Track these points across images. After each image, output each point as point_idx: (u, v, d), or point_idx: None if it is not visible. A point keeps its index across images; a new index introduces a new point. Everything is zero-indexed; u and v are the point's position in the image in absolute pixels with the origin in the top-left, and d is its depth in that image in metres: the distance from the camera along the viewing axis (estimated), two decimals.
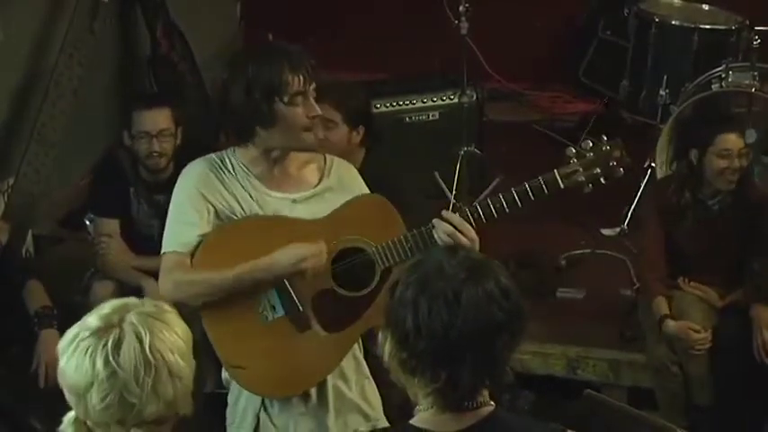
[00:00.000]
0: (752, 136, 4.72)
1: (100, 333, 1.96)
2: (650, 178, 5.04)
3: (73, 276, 4.49)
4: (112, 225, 4.32)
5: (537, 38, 6.69)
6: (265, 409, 2.99)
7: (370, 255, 2.89)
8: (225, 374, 3.04)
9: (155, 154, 4.23)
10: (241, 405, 3.01)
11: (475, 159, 5.32)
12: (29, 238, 5.05)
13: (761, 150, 4.82)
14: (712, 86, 5.05)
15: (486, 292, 1.93)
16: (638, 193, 5.05)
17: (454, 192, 5.13)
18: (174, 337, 1.98)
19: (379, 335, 2.01)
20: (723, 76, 5.03)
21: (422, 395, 1.99)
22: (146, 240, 4.39)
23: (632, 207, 5.09)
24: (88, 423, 1.95)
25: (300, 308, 2.89)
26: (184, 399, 1.99)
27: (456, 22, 5.38)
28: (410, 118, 5.43)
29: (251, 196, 2.90)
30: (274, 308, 2.90)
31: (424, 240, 2.87)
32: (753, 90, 4.91)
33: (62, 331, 3.96)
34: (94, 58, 5.25)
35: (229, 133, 2.96)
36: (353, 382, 3.04)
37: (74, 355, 1.95)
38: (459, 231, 2.81)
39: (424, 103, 5.42)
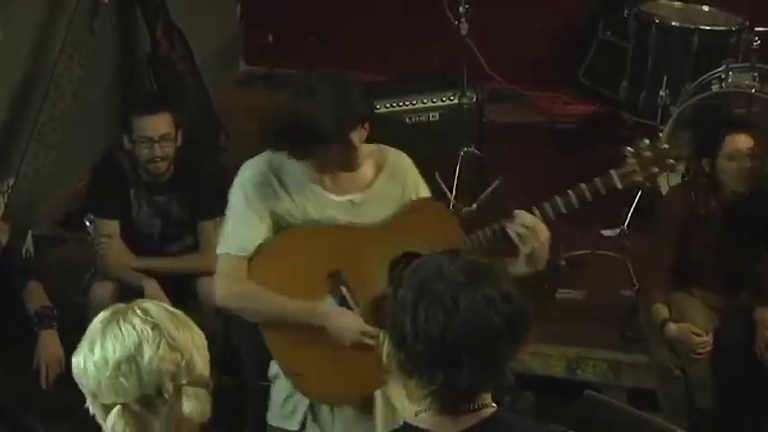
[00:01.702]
0: None
1: (120, 310, 1.96)
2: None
3: (73, 277, 4.49)
4: (112, 226, 4.32)
5: (537, 39, 6.69)
6: (313, 409, 2.99)
7: None
8: (272, 370, 3.05)
9: (156, 159, 4.22)
10: (292, 402, 3.01)
11: (475, 160, 5.32)
12: (29, 238, 5.05)
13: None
14: (712, 87, 5.05)
15: (485, 297, 1.93)
16: (638, 194, 5.05)
17: (454, 193, 5.13)
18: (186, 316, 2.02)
19: (380, 335, 2.01)
20: (723, 77, 5.03)
21: (419, 396, 1.99)
22: (146, 241, 4.39)
23: (632, 208, 5.09)
24: (134, 407, 1.91)
25: (359, 315, 2.90)
26: (209, 379, 1.99)
27: (456, 22, 5.38)
28: (410, 119, 5.42)
29: (307, 198, 2.90)
30: None
31: (479, 244, 2.89)
32: (753, 91, 4.91)
33: (62, 331, 4.01)
34: (94, 58, 5.25)
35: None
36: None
37: (106, 338, 1.92)
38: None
39: (423, 103, 5.41)
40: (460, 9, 5.34)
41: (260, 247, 2.88)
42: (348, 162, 2.90)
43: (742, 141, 4.05)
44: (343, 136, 2.81)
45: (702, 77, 5.15)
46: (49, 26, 5.28)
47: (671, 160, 2.97)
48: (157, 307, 1.97)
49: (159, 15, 5.88)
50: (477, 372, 1.94)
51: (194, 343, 1.95)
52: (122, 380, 1.90)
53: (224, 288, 2.90)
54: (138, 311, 1.94)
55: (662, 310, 4.05)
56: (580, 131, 6.35)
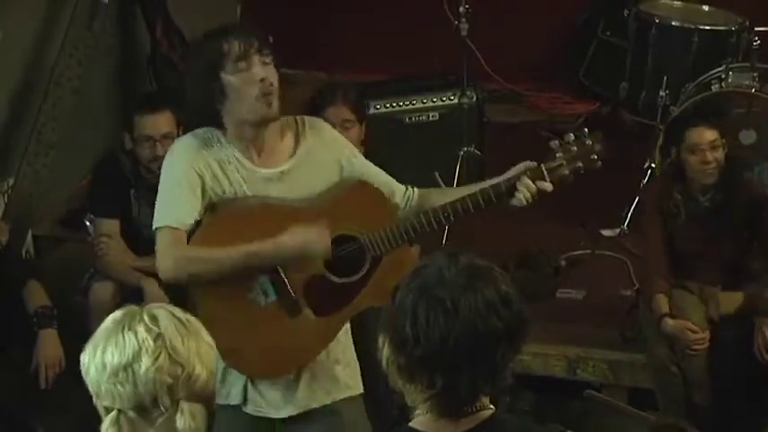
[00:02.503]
0: (750, 137, 4.72)
1: (128, 316, 1.95)
2: (650, 179, 5.04)
3: (73, 277, 4.49)
4: (112, 225, 4.32)
5: (537, 39, 6.69)
6: (252, 382, 3.02)
7: (362, 243, 2.95)
8: None
9: (158, 158, 4.21)
10: (229, 381, 3.03)
11: (475, 160, 5.32)
12: (29, 238, 5.05)
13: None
14: (712, 87, 5.05)
15: (486, 301, 1.92)
16: (638, 194, 5.05)
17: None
18: (199, 322, 2.01)
19: (379, 339, 2.01)
20: (723, 76, 5.03)
21: (419, 401, 1.98)
22: (146, 241, 4.37)
23: (632, 208, 5.09)
24: (130, 414, 1.92)
25: (292, 293, 2.93)
26: (213, 389, 1.99)
27: (456, 22, 5.38)
28: (410, 119, 5.42)
29: (239, 173, 2.92)
30: (266, 293, 2.94)
31: (414, 230, 2.94)
32: (753, 91, 4.91)
33: (62, 331, 4.01)
34: (94, 57, 5.25)
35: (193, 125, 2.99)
36: (341, 360, 3.09)
37: (108, 342, 1.92)
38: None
39: (423, 103, 5.41)
40: (460, 9, 5.34)
41: (196, 224, 2.89)
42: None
43: (703, 134, 4.07)
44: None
45: (702, 77, 5.15)
46: (48, 25, 5.28)
47: (594, 155, 3.01)
48: (167, 315, 1.96)
49: (159, 15, 5.88)
50: (477, 375, 1.93)
51: (199, 355, 1.94)
52: (119, 387, 1.90)
53: (170, 258, 2.88)
54: (146, 318, 1.94)
55: (662, 303, 4.06)
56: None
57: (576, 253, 5.08)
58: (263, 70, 2.87)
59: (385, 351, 1.99)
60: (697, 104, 4.94)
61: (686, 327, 4.03)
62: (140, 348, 1.90)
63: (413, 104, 5.42)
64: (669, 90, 5.36)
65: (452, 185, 5.14)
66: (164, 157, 4.18)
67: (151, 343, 1.90)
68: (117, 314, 1.98)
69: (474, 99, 5.39)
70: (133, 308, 1.98)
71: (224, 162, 2.92)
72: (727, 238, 4.18)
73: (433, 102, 5.42)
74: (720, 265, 4.21)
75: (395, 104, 5.41)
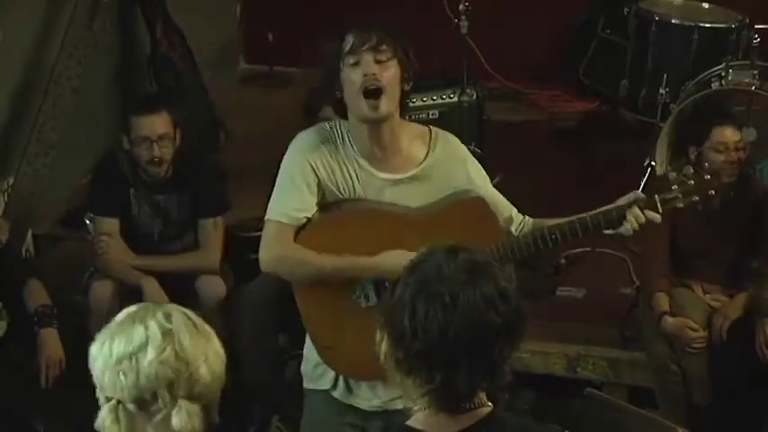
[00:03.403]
0: (751, 134, 4.72)
1: (142, 311, 1.98)
2: (650, 177, 5.03)
3: (72, 276, 4.49)
4: (112, 224, 4.32)
5: (537, 37, 6.68)
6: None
7: None
8: (308, 340, 3.10)
9: (155, 160, 4.22)
10: (322, 367, 3.06)
11: (475, 158, 5.31)
12: (29, 237, 5.05)
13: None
14: (712, 85, 5.05)
15: (484, 296, 1.93)
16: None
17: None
18: (211, 329, 2.02)
19: (377, 333, 2.01)
20: (723, 74, 5.02)
21: (417, 395, 1.99)
22: (146, 240, 4.39)
23: None
24: (129, 407, 1.92)
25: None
26: (219, 393, 1.99)
27: (456, 21, 5.38)
28: (410, 117, 5.39)
29: (356, 172, 2.93)
30: (368, 296, 2.96)
31: (519, 249, 2.94)
32: (753, 88, 4.91)
33: (62, 330, 4.01)
34: (94, 56, 5.25)
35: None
36: None
37: (119, 333, 1.94)
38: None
39: (423, 101, 5.40)
40: (460, 7, 5.34)
41: (307, 222, 2.92)
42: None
43: (728, 134, 4.09)
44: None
45: (702, 75, 5.14)
46: (48, 25, 5.28)
47: (712, 191, 3.03)
48: (181, 314, 1.98)
49: (159, 14, 5.88)
50: (476, 371, 1.94)
51: (206, 357, 1.95)
52: (121, 376, 1.91)
53: (272, 251, 2.92)
54: (160, 315, 1.96)
55: (663, 301, 4.06)
56: (580, 129, 6.35)
57: (575, 251, 5.07)
58: (371, 67, 2.86)
59: (383, 345, 1.99)
60: (697, 102, 4.94)
61: (686, 325, 4.03)
62: (148, 340, 1.92)
63: (413, 102, 5.35)
64: (669, 88, 5.36)
65: None
66: (161, 159, 4.23)
67: (159, 337, 1.92)
68: (132, 308, 2.00)
69: (474, 97, 5.39)
70: (149, 304, 2.01)
71: (343, 161, 2.93)
72: (731, 236, 4.18)
73: (433, 100, 5.41)
74: (722, 264, 4.21)
75: None
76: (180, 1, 6.01)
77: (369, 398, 3.04)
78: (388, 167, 2.94)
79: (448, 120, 5.40)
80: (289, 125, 3.51)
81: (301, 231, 2.93)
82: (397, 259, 2.83)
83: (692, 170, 3.01)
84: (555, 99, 6.70)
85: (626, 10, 5.81)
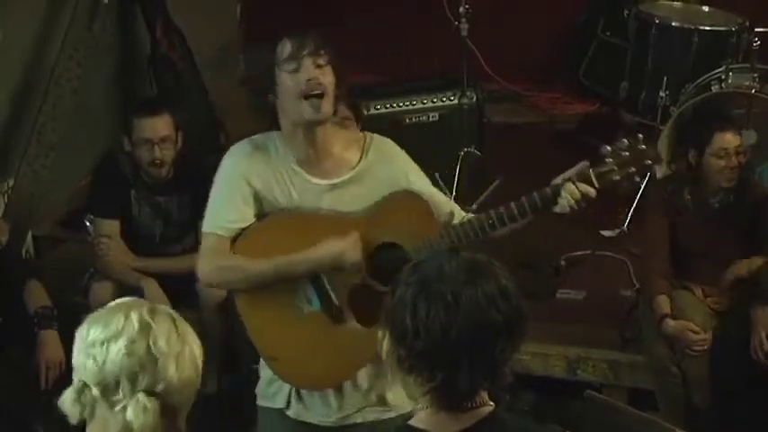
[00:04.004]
0: (751, 137, 4.72)
1: (130, 302, 2.00)
2: (650, 180, 5.03)
3: (73, 277, 4.49)
4: (112, 226, 4.32)
5: (537, 39, 6.69)
6: (297, 390, 3.02)
7: (406, 251, 2.91)
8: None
9: (156, 162, 4.23)
10: (275, 385, 3.03)
11: (475, 160, 5.32)
12: (29, 238, 5.05)
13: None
14: (712, 88, 5.05)
15: (486, 295, 1.93)
16: (638, 195, 5.06)
17: (454, 193, 5.13)
18: (198, 345, 2.03)
19: (379, 332, 2.01)
20: (723, 77, 5.03)
21: (419, 394, 1.99)
22: (146, 242, 4.39)
23: (632, 208, 5.09)
24: (93, 391, 1.94)
25: (336, 302, 2.92)
26: (189, 401, 2.00)
27: (456, 23, 5.39)
28: (410, 119, 5.42)
29: (291, 180, 2.92)
30: (310, 301, 2.94)
31: (458, 238, 2.90)
32: (753, 91, 4.92)
33: (62, 332, 4.00)
34: (94, 57, 5.25)
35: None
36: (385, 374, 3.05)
37: (101, 317, 1.97)
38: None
39: (423, 104, 5.41)
40: (460, 9, 5.34)
41: (243, 231, 2.90)
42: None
43: (729, 140, 4.10)
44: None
45: (702, 78, 5.15)
46: (48, 26, 5.28)
47: (648, 161, 2.94)
48: (167, 314, 1.99)
49: (159, 15, 5.88)
50: (477, 370, 1.94)
51: (178, 359, 1.95)
52: (90, 360, 1.93)
53: (210, 264, 2.91)
54: (145, 310, 1.97)
55: (663, 304, 4.06)
56: (580, 132, 6.35)
57: (575, 253, 5.09)
58: (312, 72, 2.87)
59: (384, 344, 2.00)
60: (697, 105, 4.94)
61: (687, 327, 4.03)
62: (122, 330, 1.93)
63: (413, 105, 5.42)
64: (669, 90, 5.37)
65: (452, 186, 5.15)
66: (162, 161, 4.23)
67: (135, 329, 1.93)
68: (126, 299, 2.02)
69: (474, 99, 5.39)
70: (140, 299, 2.02)
71: (278, 170, 2.93)
72: (731, 238, 4.19)
73: (433, 102, 5.42)
74: (722, 266, 4.21)
75: (395, 105, 5.41)
76: (180, 1, 6.01)
77: (324, 414, 3.01)
78: (323, 173, 2.94)
79: (448, 122, 5.42)
80: None
81: (237, 241, 2.91)
82: (332, 246, 2.86)
83: (626, 142, 2.92)
84: (555, 101, 6.72)
85: (626, 12, 5.82)
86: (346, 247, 2.86)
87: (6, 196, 4.94)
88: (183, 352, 1.96)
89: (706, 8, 5.74)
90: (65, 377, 3.82)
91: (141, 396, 1.91)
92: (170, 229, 4.39)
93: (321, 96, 2.86)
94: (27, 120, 5.06)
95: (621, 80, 5.78)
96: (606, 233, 5.21)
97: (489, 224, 2.91)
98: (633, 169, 2.92)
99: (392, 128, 5.27)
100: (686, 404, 4.12)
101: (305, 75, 2.86)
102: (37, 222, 5.09)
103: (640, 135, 2.95)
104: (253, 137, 3.00)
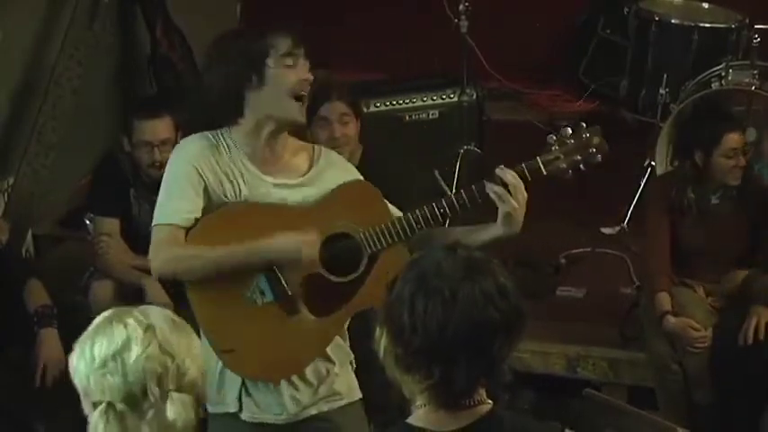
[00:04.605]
0: (751, 134, 4.72)
1: (117, 312, 1.96)
2: (650, 177, 5.04)
3: (72, 276, 4.49)
4: (112, 224, 4.32)
5: (537, 37, 6.68)
6: (247, 389, 3.00)
7: (357, 241, 2.92)
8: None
9: (156, 164, 4.23)
10: (224, 388, 3.01)
11: (474, 158, 5.32)
12: (29, 238, 5.05)
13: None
14: (712, 85, 5.05)
15: (483, 292, 1.93)
16: (638, 192, 5.06)
17: (454, 191, 5.12)
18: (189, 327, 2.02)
19: (377, 330, 2.01)
20: (723, 74, 5.03)
21: (416, 392, 1.99)
22: (146, 240, 4.37)
23: (632, 206, 5.09)
24: (118, 406, 1.90)
25: (289, 292, 2.92)
26: (203, 389, 1.98)
27: (456, 20, 5.38)
28: (410, 117, 5.42)
29: (242, 177, 2.92)
30: (263, 292, 2.92)
31: (410, 226, 2.90)
32: (753, 88, 4.91)
33: (61, 331, 4.00)
34: (94, 57, 5.25)
35: (218, 115, 2.97)
36: (337, 364, 3.05)
37: (97, 336, 1.93)
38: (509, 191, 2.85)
39: (423, 101, 5.41)
40: (460, 7, 5.34)
41: (195, 223, 2.89)
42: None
43: (738, 140, 4.10)
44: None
45: (702, 75, 5.14)
46: (48, 25, 5.28)
47: (592, 149, 2.96)
48: (157, 311, 1.97)
49: (159, 15, 5.88)
50: (474, 367, 1.94)
51: (189, 350, 1.94)
52: (108, 377, 1.89)
53: (162, 254, 2.90)
54: (136, 313, 1.94)
55: (665, 301, 4.06)
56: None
57: (575, 251, 5.08)
58: (306, 73, 2.89)
59: (382, 341, 1.99)
60: (697, 102, 4.94)
61: (688, 324, 4.03)
62: (130, 337, 1.90)
63: (413, 103, 5.42)
64: (669, 88, 5.36)
65: (452, 184, 5.14)
66: (162, 163, 4.23)
67: (141, 332, 1.91)
68: (106, 312, 1.98)
69: (474, 97, 5.39)
70: (123, 307, 1.99)
71: (228, 166, 2.92)
72: (732, 235, 4.19)
73: (433, 100, 5.42)
74: (723, 262, 4.22)
75: (395, 103, 5.40)
76: (180, 1, 6.01)
77: (278, 412, 3.00)
78: (274, 173, 2.95)
79: (448, 120, 5.41)
80: None
81: (190, 232, 2.89)
82: (289, 239, 2.84)
83: (570, 131, 2.96)
84: (555, 99, 6.70)
85: (626, 10, 5.81)
86: (304, 242, 2.85)
87: (6, 195, 4.94)
88: (190, 343, 1.95)
89: (706, 5, 5.73)
90: (65, 376, 3.84)
91: (175, 395, 1.90)
92: None
93: (304, 100, 2.89)
94: (27, 119, 5.06)
95: (621, 78, 5.78)
96: (606, 230, 5.21)
97: (441, 211, 2.91)
98: (578, 157, 2.95)
99: (392, 125, 5.29)
100: (686, 401, 4.12)
101: (301, 74, 2.87)
102: (37, 221, 5.09)
103: (583, 123, 2.99)
104: (202, 132, 3.00)
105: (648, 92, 5.56)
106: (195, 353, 1.96)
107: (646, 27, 5.56)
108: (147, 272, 4.21)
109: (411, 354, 1.94)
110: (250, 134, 2.93)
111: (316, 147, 3.07)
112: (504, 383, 1.99)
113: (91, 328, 1.96)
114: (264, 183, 2.93)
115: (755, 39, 5.03)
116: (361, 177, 3.07)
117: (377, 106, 5.29)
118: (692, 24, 5.42)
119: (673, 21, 5.53)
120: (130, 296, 4.09)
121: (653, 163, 5.07)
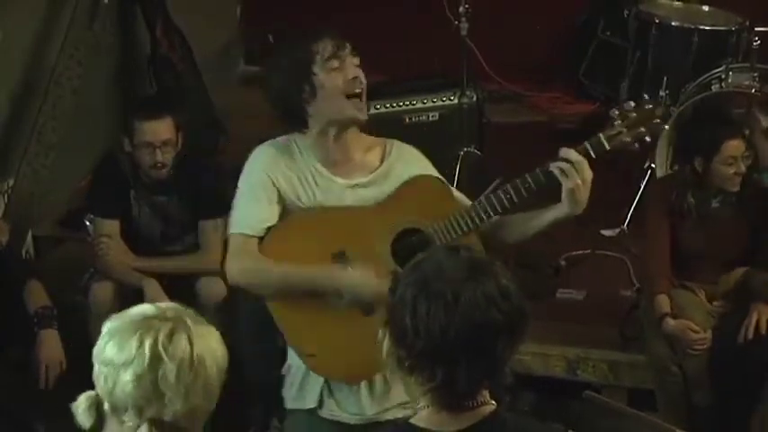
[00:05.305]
0: (766, 121, 4.72)
1: (154, 320, 1.96)
2: (650, 179, 5.04)
3: (72, 277, 4.49)
4: (112, 226, 4.32)
5: (537, 39, 6.69)
6: (330, 389, 3.03)
7: (428, 234, 2.92)
8: (285, 366, 3.10)
9: (158, 165, 4.23)
10: (306, 388, 3.04)
11: (475, 160, 5.32)
12: (29, 238, 5.05)
13: None
14: (712, 87, 5.05)
15: (486, 294, 1.93)
16: (638, 194, 5.06)
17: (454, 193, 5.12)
18: (219, 357, 2.00)
19: (380, 331, 2.01)
20: (723, 76, 5.03)
21: (419, 393, 2.00)
22: (146, 241, 4.39)
23: (632, 208, 5.09)
24: (105, 406, 1.94)
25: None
26: (201, 422, 2.00)
27: (456, 22, 5.38)
28: (410, 119, 5.42)
29: (315, 181, 2.95)
30: (341, 295, 2.94)
31: (478, 216, 2.91)
32: (753, 91, 4.91)
33: (61, 331, 4.01)
34: (94, 57, 5.25)
35: (287, 124, 3.00)
36: None
37: (119, 333, 1.94)
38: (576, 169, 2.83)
39: (423, 103, 5.40)
40: (460, 9, 5.34)
41: (267, 230, 2.93)
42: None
43: (738, 147, 4.09)
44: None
45: (702, 77, 5.14)
46: (48, 25, 5.28)
47: (657, 120, 2.95)
48: (185, 345, 1.93)
49: (159, 15, 5.88)
50: (477, 368, 1.94)
51: (188, 394, 1.92)
52: (102, 378, 1.94)
53: (236, 265, 2.94)
54: (163, 335, 1.93)
55: (664, 303, 4.06)
56: (580, 131, 6.34)
57: (575, 253, 5.08)
58: (355, 70, 2.90)
59: (385, 343, 2.00)
60: (697, 105, 4.94)
61: (688, 326, 4.03)
62: (134, 360, 1.91)
63: (413, 104, 5.42)
64: (669, 90, 5.36)
65: (452, 186, 5.13)
66: (163, 163, 4.24)
67: (146, 362, 1.91)
68: (148, 311, 1.98)
69: (474, 99, 5.39)
70: (166, 314, 1.97)
71: (301, 171, 2.95)
72: (732, 237, 4.19)
73: (433, 102, 5.41)
74: (723, 265, 4.22)
75: (395, 104, 5.40)
76: (180, 1, 6.01)
77: (355, 412, 3.02)
78: (346, 173, 2.97)
79: (448, 122, 5.41)
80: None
81: (264, 239, 2.93)
82: (352, 275, 2.87)
83: (633, 104, 2.96)
84: (555, 101, 6.71)
85: (626, 12, 5.81)
86: (370, 281, 2.86)
87: (6, 196, 4.94)
88: (194, 383, 1.94)
89: (706, 8, 5.73)
90: (65, 376, 3.84)
91: (145, 427, 1.91)
92: (170, 228, 4.40)
93: (361, 96, 2.91)
94: (27, 120, 5.06)
95: (622, 80, 5.77)
96: (606, 232, 5.21)
97: (508, 198, 2.92)
98: (642, 129, 2.94)
99: (392, 127, 5.28)
100: (686, 403, 4.12)
101: (349, 73, 2.89)
102: (37, 222, 5.09)
103: (646, 96, 2.97)
104: (275, 139, 3.03)
105: (648, 94, 5.55)
106: (199, 391, 1.94)
107: (646, 29, 5.56)
108: (147, 273, 4.25)
109: (414, 356, 1.95)
110: (318, 140, 2.96)
111: (388, 141, 3.08)
112: (506, 385, 1.99)
113: (129, 317, 1.97)
114: (336, 184, 2.96)
115: (755, 41, 5.03)
116: (433, 169, 3.08)
117: (377, 108, 5.28)
118: (692, 27, 5.41)
119: (673, 23, 5.52)
120: (130, 297, 4.09)
121: (653, 165, 5.07)
